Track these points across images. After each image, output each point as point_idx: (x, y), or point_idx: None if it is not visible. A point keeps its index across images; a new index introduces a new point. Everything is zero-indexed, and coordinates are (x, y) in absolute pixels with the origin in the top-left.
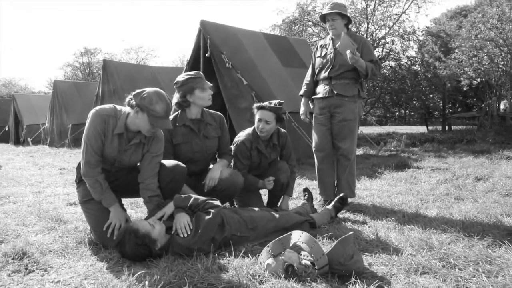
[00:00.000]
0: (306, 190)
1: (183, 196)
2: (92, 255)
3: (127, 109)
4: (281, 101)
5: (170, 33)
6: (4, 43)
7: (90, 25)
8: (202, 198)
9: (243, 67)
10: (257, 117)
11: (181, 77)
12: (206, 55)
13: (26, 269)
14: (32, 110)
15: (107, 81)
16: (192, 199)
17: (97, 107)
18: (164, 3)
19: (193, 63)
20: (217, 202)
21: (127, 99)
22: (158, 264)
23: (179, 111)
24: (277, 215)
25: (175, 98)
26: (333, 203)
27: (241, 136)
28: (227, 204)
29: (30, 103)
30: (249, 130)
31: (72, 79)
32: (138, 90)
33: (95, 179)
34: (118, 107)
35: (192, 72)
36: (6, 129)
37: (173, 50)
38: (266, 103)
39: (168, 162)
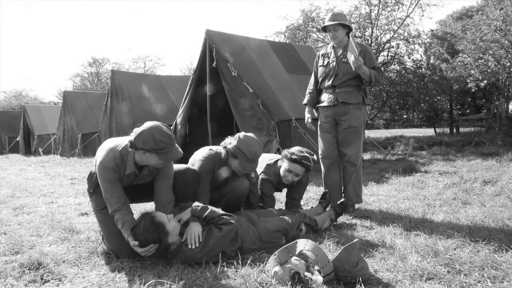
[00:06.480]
0: (325, 194)
1: (201, 205)
2: (105, 264)
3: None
4: (311, 153)
5: (177, 40)
6: (12, 54)
7: (97, 34)
8: (218, 212)
9: (249, 75)
10: (286, 166)
11: (244, 144)
12: (213, 65)
13: (41, 279)
14: (43, 120)
15: (115, 91)
16: (208, 211)
17: (100, 158)
18: (170, 10)
19: (199, 72)
20: (232, 219)
21: (129, 143)
22: (169, 273)
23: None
24: (290, 223)
25: (224, 143)
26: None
27: (261, 169)
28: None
29: (41, 113)
30: (274, 167)
31: (81, 89)
32: (136, 132)
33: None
34: (123, 143)
35: (249, 154)
36: (18, 139)
37: (180, 57)
38: (298, 155)
39: (179, 166)
